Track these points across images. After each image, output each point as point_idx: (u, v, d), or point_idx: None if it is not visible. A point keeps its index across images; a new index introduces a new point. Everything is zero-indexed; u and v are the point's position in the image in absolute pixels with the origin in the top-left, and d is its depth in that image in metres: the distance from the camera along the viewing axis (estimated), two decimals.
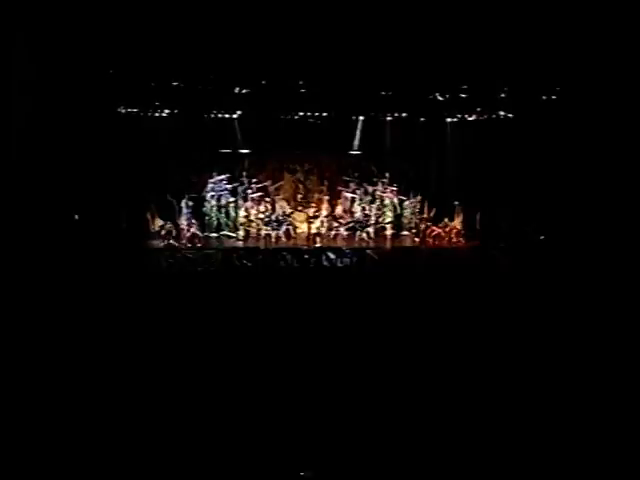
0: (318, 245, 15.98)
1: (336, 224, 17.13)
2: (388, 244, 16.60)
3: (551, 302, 11.97)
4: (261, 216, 17.12)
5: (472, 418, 7.50)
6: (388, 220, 17.50)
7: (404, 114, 17.21)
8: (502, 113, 16.65)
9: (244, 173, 17.92)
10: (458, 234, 16.64)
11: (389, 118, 17.43)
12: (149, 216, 16.43)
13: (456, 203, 16.86)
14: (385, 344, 10.11)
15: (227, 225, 17.26)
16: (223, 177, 17.54)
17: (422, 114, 17.16)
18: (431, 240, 16.50)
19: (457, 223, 16.78)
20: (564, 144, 15.40)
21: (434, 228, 16.67)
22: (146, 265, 14.61)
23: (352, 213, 17.69)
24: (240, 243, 16.39)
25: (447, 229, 16.66)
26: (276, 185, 18.08)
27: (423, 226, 16.92)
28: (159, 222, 16.28)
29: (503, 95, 16.10)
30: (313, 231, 16.78)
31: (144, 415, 7.52)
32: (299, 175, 18.59)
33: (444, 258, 15.65)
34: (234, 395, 8.05)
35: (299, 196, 18.34)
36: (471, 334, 10.50)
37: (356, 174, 18.25)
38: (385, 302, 12.20)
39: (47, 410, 7.57)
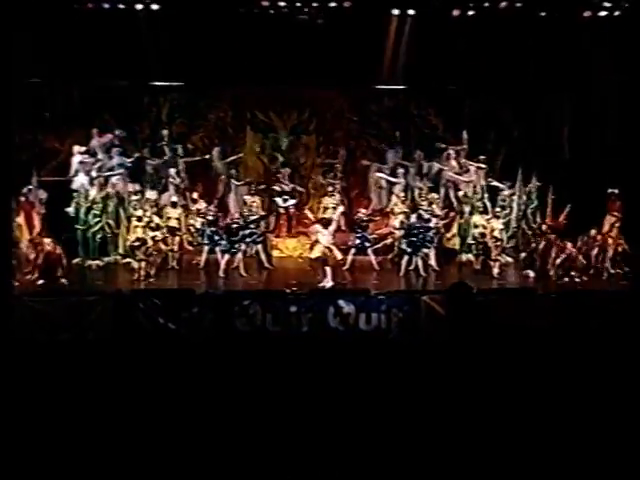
0: (321, 285, 11.33)
1: (357, 238, 12.70)
2: (467, 281, 11.86)
3: None
4: (197, 223, 13.09)
5: None
6: (467, 230, 13.29)
7: (504, 3, 12.63)
8: None
9: (163, 132, 14.03)
10: (618, 253, 12.38)
11: (471, 12, 12.68)
12: None
13: (615, 192, 12.76)
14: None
15: (121, 243, 13.12)
16: (114, 139, 13.50)
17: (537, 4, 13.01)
18: (557, 268, 12.05)
19: (614, 231, 12.77)
20: None
21: (564, 246, 12.34)
22: None
23: (392, 214, 13.36)
24: (151, 280, 12.11)
25: (592, 244, 12.61)
26: (230, 157, 14.14)
27: (540, 241, 12.66)
28: None
29: None
30: (312, 254, 12.10)
31: None
32: (279, 136, 14.56)
33: (579, 312, 10.64)
34: None
35: (277, 180, 14.34)
36: None
37: (397, 133, 14.24)
38: (458, 404, 7.09)
39: None
